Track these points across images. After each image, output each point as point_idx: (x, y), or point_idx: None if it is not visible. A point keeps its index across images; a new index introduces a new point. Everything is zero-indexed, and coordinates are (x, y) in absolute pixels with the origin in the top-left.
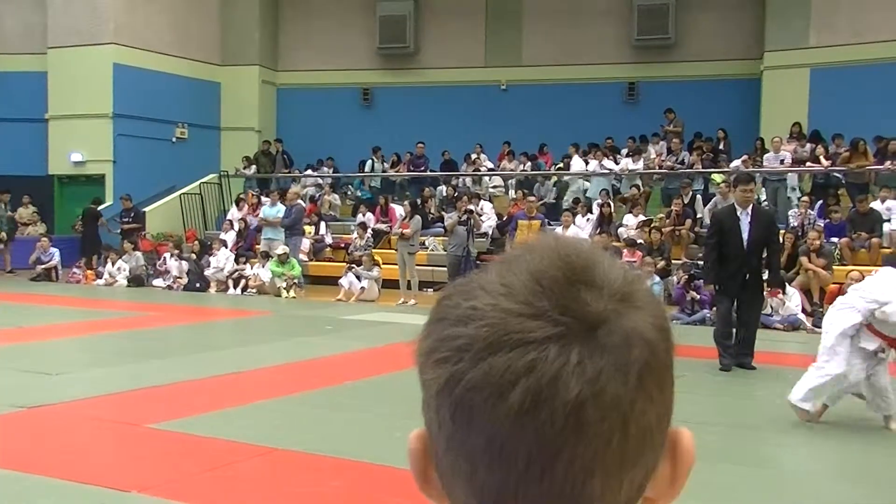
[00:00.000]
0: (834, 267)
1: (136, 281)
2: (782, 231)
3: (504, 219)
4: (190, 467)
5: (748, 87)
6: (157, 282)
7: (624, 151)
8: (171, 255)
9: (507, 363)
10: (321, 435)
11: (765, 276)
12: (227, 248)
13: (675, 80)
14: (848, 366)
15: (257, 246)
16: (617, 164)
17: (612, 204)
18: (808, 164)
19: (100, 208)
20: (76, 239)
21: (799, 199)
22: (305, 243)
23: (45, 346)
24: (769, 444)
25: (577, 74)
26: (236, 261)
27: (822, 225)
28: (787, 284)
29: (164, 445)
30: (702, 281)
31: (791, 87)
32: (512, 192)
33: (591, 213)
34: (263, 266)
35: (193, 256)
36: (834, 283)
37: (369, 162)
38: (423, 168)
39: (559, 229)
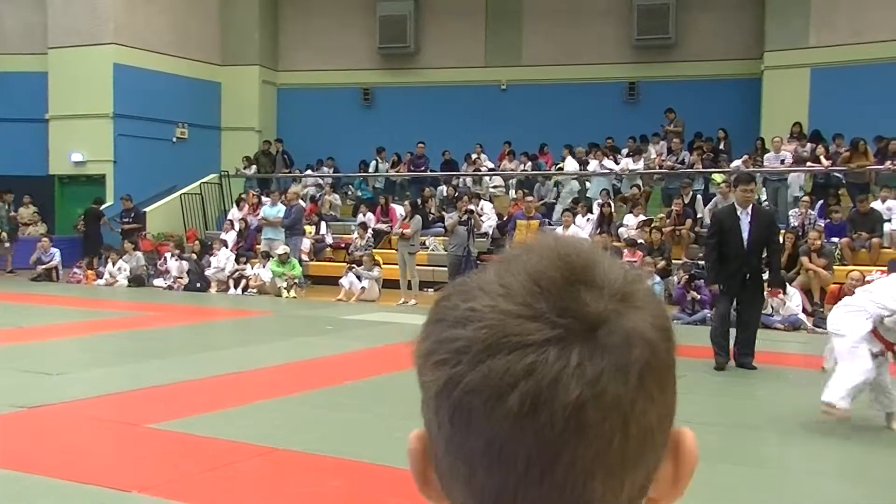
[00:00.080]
0: (834, 267)
1: (136, 281)
2: (783, 231)
3: (504, 219)
4: (190, 467)
5: (748, 87)
6: (158, 282)
7: (624, 151)
8: (172, 255)
9: (505, 366)
10: (321, 435)
11: (765, 276)
12: (227, 248)
13: (676, 79)
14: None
15: (258, 246)
16: (617, 163)
17: (612, 204)
18: (808, 163)
19: (101, 208)
20: (77, 239)
21: (799, 199)
22: (306, 243)
23: (46, 346)
24: (769, 444)
25: (578, 74)
26: (237, 261)
27: (823, 225)
28: (787, 284)
29: (164, 445)
30: (703, 281)
31: (791, 87)
32: (512, 192)
33: (592, 213)
34: (264, 266)
35: (194, 256)
36: (834, 283)
37: (373, 162)
38: (423, 168)
39: (559, 229)
